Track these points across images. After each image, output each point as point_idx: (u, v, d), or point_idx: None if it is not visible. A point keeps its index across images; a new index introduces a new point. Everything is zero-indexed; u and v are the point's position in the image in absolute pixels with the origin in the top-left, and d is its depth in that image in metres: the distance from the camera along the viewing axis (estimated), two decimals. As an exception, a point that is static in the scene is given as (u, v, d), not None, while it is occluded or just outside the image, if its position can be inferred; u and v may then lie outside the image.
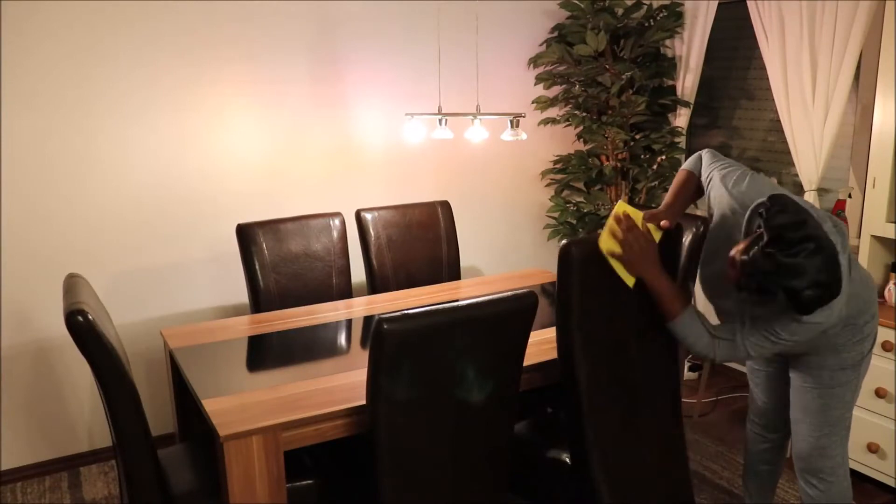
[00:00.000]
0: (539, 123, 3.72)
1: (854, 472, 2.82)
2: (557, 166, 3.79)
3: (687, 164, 2.13)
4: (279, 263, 2.84)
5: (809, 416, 2.02)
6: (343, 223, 2.98)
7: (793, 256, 1.61)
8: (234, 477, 1.78)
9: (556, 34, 3.71)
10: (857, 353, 1.96)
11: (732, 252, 1.72)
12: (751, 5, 3.18)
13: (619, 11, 3.48)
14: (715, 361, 2.12)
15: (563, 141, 3.92)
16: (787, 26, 3.03)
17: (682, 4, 3.57)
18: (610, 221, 1.95)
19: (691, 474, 2.23)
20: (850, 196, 3.17)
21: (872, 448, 2.67)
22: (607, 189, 3.73)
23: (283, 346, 2.36)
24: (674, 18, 3.53)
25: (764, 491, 2.39)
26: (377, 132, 3.41)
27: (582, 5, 3.52)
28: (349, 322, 2.57)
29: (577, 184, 3.83)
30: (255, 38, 3.04)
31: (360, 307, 2.72)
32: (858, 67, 3.03)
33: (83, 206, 2.85)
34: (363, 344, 2.37)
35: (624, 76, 3.49)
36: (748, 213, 1.78)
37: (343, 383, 2.02)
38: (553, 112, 3.76)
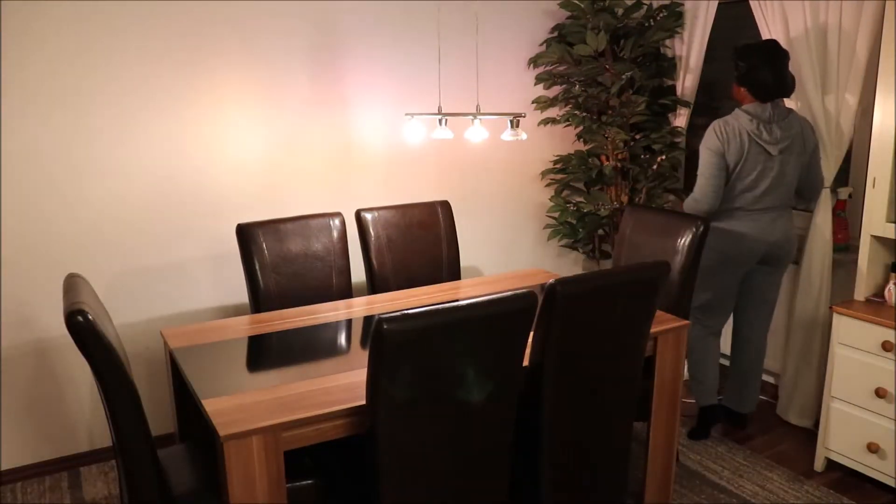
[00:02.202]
0: (539, 123, 3.73)
1: (854, 472, 2.83)
2: (557, 166, 3.79)
3: None
4: (279, 263, 2.84)
5: None
6: (343, 223, 2.98)
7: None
8: (234, 477, 1.78)
9: (556, 34, 3.71)
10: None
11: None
12: (754, 5, 3.18)
13: (619, 11, 3.48)
14: (693, 201, 2.94)
15: (563, 141, 3.92)
16: (791, 27, 3.03)
17: (682, 4, 3.57)
18: None
19: (628, 479, 2.54)
20: (850, 196, 3.17)
21: (872, 448, 2.67)
22: (607, 189, 3.73)
23: (283, 346, 2.36)
24: (674, 18, 3.53)
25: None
26: (377, 132, 3.41)
27: (582, 5, 3.52)
28: (349, 322, 2.57)
29: (577, 184, 3.84)
30: (255, 37, 3.04)
31: (360, 307, 2.72)
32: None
33: (83, 206, 2.85)
34: (363, 344, 2.37)
35: (624, 76, 3.49)
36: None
37: (343, 383, 2.02)
38: (553, 112, 3.76)
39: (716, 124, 2.86)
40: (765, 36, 3.17)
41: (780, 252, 2.96)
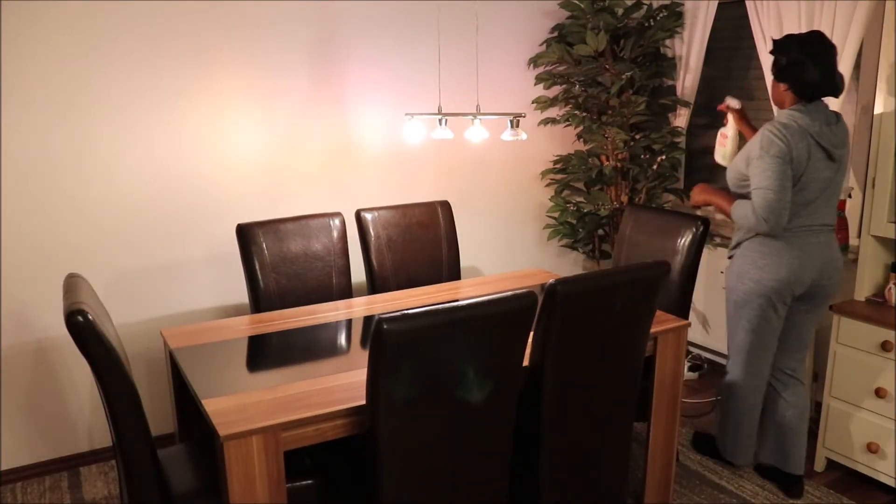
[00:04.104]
0: (539, 123, 3.73)
1: (854, 473, 2.83)
2: (557, 166, 3.79)
3: None
4: (279, 263, 2.84)
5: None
6: (343, 223, 2.98)
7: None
8: (234, 477, 1.78)
9: (556, 34, 3.71)
10: (743, 291, 2.57)
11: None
12: (749, 5, 3.18)
13: (619, 11, 3.48)
14: (761, 220, 2.41)
15: (563, 141, 3.92)
16: (784, 26, 3.03)
17: (682, 4, 3.57)
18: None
19: (629, 481, 2.50)
20: (849, 196, 3.17)
21: (872, 448, 2.67)
22: (607, 189, 3.73)
23: (283, 346, 2.36)
24: (674, 18, 3.53)
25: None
26: (377, 132, 3.41)
27: (582, 5, 3.52)
28: (349, 322, 2.57)
29: (577, 184, 3.84)
30: (255, 37, 3.04)
31: (360, 307, 2.72)
32: (858, 67, 3.04)
33: (83, 206, 2.85)
34: (363, 344, 2.37)
35: (624, 76, 3.49)
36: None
37: (343, 383, 2.02)
38: (553, 112, 3.76)
39: (772, 127, 2.40)
40: (757, 36, 3.17)
41: (827, 283, 2.55)
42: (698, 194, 2.74)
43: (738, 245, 2.62)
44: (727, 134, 2.85)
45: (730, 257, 2.68)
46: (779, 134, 2.37)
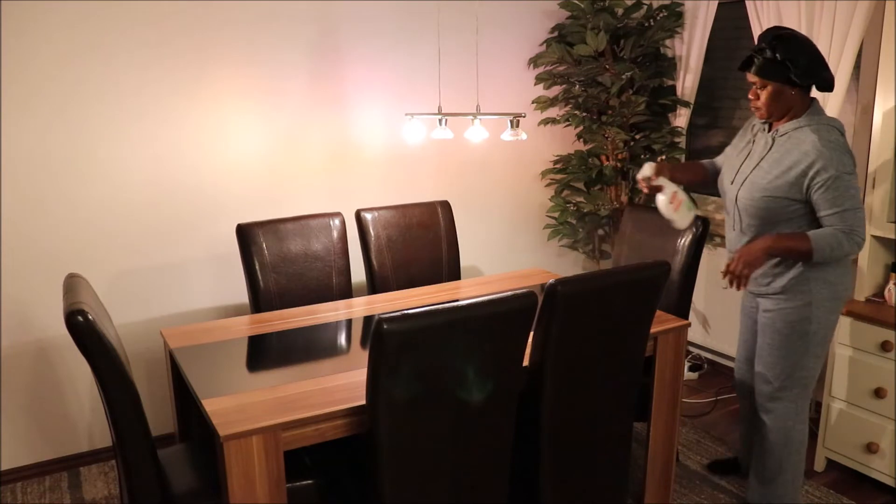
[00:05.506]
0: (539, 123, 3.73)
1: (854, 472, 2.83)
2: (557, 166, 3.79)
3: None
4: (279, 263, 2.84)
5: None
6: (343, 223, 2.98)
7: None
8: (234, 477, 1.78)
9: (556, 34, 3.71)
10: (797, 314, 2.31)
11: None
12: (749, 5, 3.18)
13: (619, 11, 3.48)
14: (859, 241, 2.16)
15: (563, 141, 3.92)
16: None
17: (682, 4, 3.57)
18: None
19: (629, 479, 2.46)
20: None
21: (872, 448, 2.67)
22: (607, 189, 3.73)
23: (283, 346, 2.36)
24: (674, 18, 3.53)
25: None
26: (377, 132, 3.41)
27: (582, 5, 3.52)
28: (349, 322, 2.57)
29: (577, 184, 3.84)
30: (255, 37, 3.04)
31: (360, 307, 2.72)
32: (858, 67, 3.04)
33: (83, 206, 2.85)
34: (363, 344, 2.38)
35: (624, 76, 3.49)
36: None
37: (343, 383, 2.02)
38: (553, 112, 3.76)
39: (831, 141, 2.14)
40: (757, 37, 3.16)
41: None
42: (750, 257, 2.21)
43: (799, 273, 2.28)
44: (674, 192, 2.49)
45: (777, 293, 2.34)
46: (843, 148, 2.14)
